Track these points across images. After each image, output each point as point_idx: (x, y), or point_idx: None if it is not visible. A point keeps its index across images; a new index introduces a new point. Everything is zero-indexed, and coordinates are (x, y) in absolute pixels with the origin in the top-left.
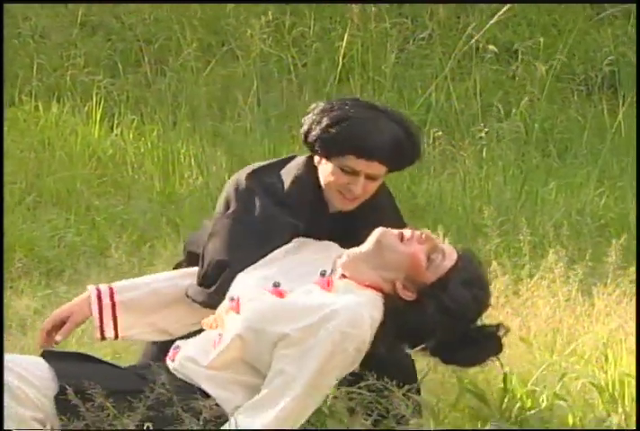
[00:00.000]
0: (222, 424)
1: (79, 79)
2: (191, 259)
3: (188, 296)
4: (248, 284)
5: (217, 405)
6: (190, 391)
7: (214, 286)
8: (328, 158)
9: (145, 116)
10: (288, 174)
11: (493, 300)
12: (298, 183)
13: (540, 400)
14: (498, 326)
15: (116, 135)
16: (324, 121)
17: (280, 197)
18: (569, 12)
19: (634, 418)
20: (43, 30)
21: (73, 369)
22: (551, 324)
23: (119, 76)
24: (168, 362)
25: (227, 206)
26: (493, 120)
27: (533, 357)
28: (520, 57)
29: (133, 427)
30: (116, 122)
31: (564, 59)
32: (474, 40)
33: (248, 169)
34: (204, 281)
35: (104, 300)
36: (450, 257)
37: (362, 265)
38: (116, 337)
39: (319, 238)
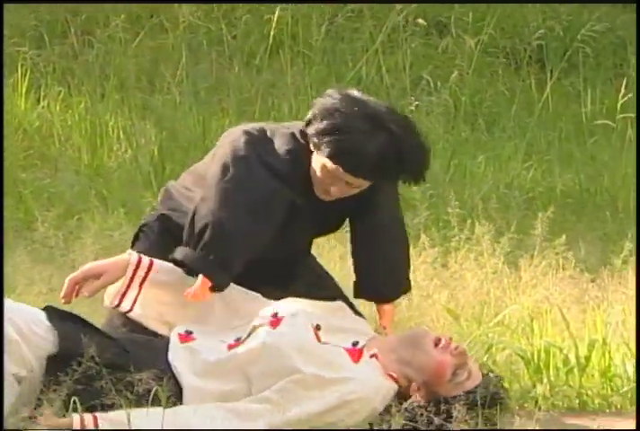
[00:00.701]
0: (155, 399)
1: (4, 50)
2: (165, 219)
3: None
4: (296, 308)
5: (153, 379)
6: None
7: (210, 255)
8: (319, 153)
9: (72, 88)
10: (282, 146)
11: (421, 272)
12: (293, 158)
13: None
14: None
15: (42, 107)
16: (322, 125)
17: (276, 170)
18: None
19: (557, 389)
20: None
21: (73, 335)
22: (479, 296)
23: (45, 47)
24: (175, 341)
25: (225, 172)
26: (422, 94)
27: (460, 328)
28: (449, 30)
29: (59, 402)
30: (42, 94)
31: (493, 33)
32: (403, 14)
33: (243, 134)
34: (194, 242)
35: (139, 271)
36: (474, 380)
37: (391, 354)
38: (129, 310)
39: (313, 215)
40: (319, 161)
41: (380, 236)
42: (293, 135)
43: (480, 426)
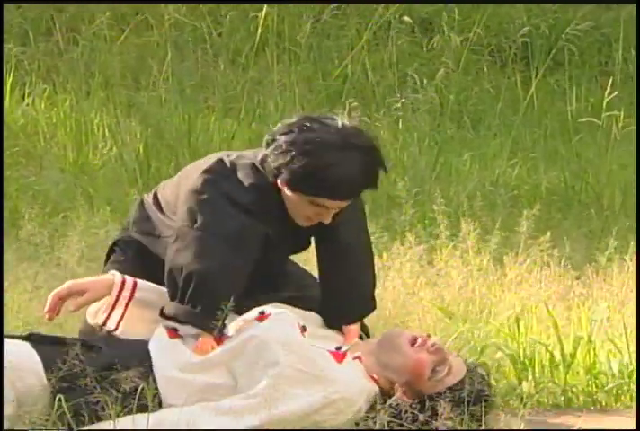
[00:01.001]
0: (142, 396)
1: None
2: (138, 243)
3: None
4: (283, 309)
5: (138, 377)
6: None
7: (200, 306)
8: (296, 192)
9: (57, 85)
10: (245, 179)
11: (407, 270)
12: (258, 190)
13: None
14: None
15: (27, 104)
16: (297, 163)
17: (243, 205)
18: None
19: (542, 386)
20: None
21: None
22: (464, 294)
23: (30, 45)
24: (163, 334)
25: (193, 218)
26: (408, 91)
27: (446, 326)
28: (435, 28)
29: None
30: (27, 91)
31: (479, 31)
32: (390, 12)
33: (202, 174)
34: (180, 296)
35: (124, 291)
36: (455, 374)
37: (371, 358)
38: (115, 329)
39: (287, 243)
40: (295, 197)
41: (345, 259)
42: (253, 165)
43: (465, 423)
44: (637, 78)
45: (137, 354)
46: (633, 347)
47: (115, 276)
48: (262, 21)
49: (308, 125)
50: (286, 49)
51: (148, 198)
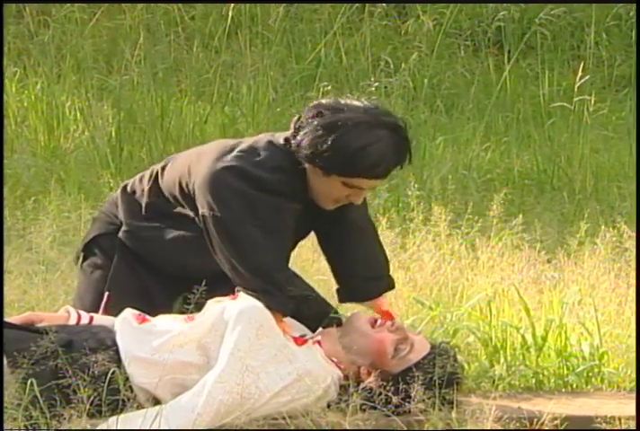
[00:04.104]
0: (112, 379)
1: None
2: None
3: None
4: None
5: (109, 361)
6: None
7: (283, 291)
8: (331, 174)
9: (28, 68)
10: (265, 163)
11: None
12: (281, 173)
13: None
14: None
15: None
16: (333, 145)
17: (270, 189)
18: None
19: (514, 369)
20: None
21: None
22: (437, 277)
23: None
24: (132, 320)
25: (227, 207)
26: (382, 75)
27: (419, 310)
28: (408, 12)
29: (17, 384)
30: None
31: (453, 16)
32: None
33: (222, 165)
34: (256, 287)
35: (83, 321)
36: (418, 351)
37: (335, 342)
38: (90, 322)
39: (311, 220)
40: (328, 180)
41: (358, 236)
42: (268, 151)
43: (437, 406)
44: (637, 77)
45: (104, 338)
46: (603, 330)
47: (71, 313)
48: (234, 4)
49: (337, 107)
50: (259, 33)
51: (138, 187)
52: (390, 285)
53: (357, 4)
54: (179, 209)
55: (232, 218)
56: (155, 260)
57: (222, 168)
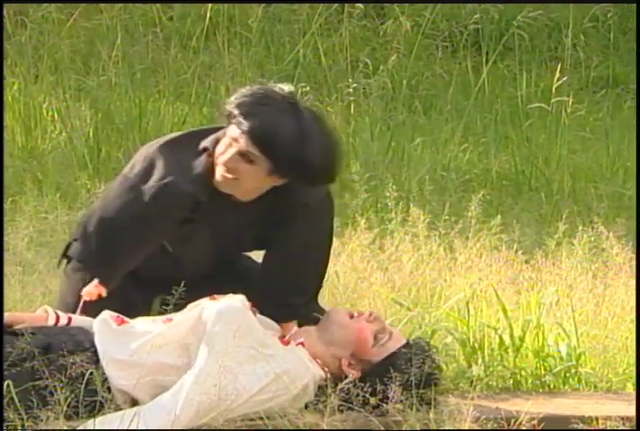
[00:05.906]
0: (90, 381)
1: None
2: None
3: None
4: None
5: (87, 362)
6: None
7: (95, 249)
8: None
9: (5, 69)
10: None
11: (357, 255)
12: (207, 167)
13: None
14: None
15: None
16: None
17: (186, 172)
18: None
19: (492, 369)
20: None
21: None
22: (415, 278)
23: None
24: (110, 321)
25: (130, 169)
26: (360, 76)
27: (397, 310)
28: (387, 13)
29: None
30: None
31: (430, 16)
32: None
33: (160, 140)
34: (84, 239)
35: (61, 322)
36: (397, 339)
37: (316, 339)
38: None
39: (222, 222)
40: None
41: (289, 265)
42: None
43: (415, 406)
44: (637, 78)
45: (82, 340)
46: (580, 331)
47: (50, 314)
48: (212, 5)
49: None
50: (237, 34)
51: None
52: (297, 314)
53: (335, 5)
54: None
55: (129, 176)
56: None
57: (157, 145)
